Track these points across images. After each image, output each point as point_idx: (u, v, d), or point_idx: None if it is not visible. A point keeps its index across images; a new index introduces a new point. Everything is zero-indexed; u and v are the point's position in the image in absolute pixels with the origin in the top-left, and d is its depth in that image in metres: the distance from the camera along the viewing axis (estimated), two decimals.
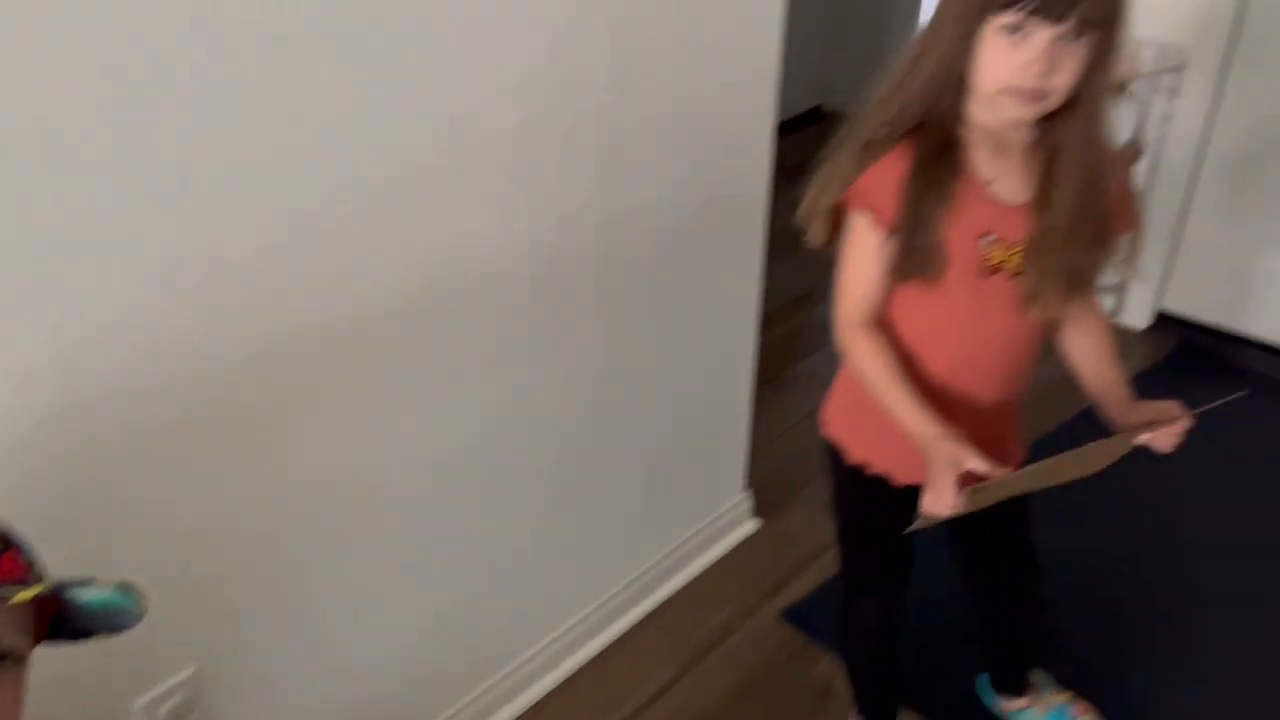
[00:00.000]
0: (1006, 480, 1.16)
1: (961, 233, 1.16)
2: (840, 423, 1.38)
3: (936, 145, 1.15)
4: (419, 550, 1.46)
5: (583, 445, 1.65)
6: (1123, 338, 2.79)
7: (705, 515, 1.98)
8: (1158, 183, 2.63)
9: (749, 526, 2.08)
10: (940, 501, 1.15)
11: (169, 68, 0.98)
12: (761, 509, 2.11)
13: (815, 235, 1.25)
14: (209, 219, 1.06)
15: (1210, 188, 2.62)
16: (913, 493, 1.24)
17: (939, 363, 1.26)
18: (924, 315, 1.23)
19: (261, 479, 1.21)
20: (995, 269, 1.18)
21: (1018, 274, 1.18)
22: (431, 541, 1.47)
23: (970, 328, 1.23)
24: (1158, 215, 2.67)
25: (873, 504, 1.38)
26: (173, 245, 1.04)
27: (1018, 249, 1.17)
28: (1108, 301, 2.78)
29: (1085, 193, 1.15)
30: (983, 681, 1.74)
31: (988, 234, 1.17)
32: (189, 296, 1.07)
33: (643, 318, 1.65)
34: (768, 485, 2.16)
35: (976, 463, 1.15)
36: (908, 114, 1.16)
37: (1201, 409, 1.20)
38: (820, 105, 4.29)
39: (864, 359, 1.24)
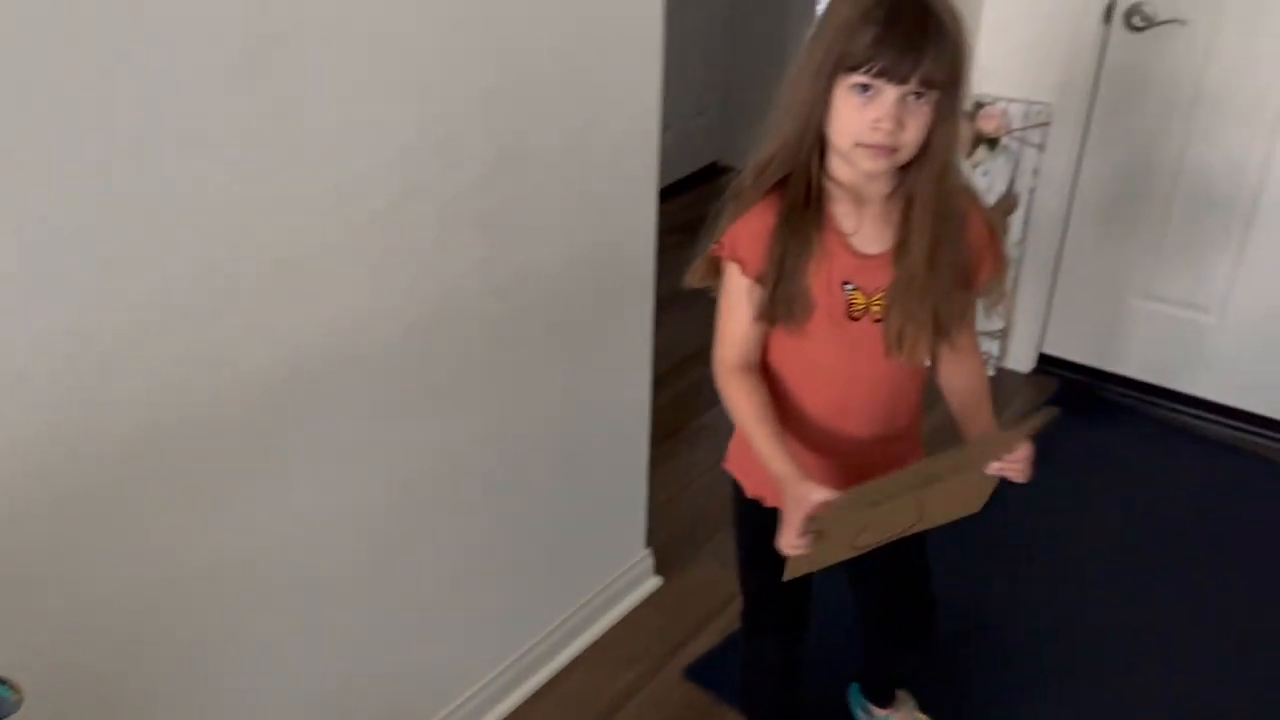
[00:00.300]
0: (846, 504, 1.18)
1: (824, 281, 1.23)
2: (737, 459, 1.44)
3: (800, 198, 1.22)
4: (305, 629, 1.43)
5: (476, 513, 1.64)
6: (1009, 381, 2.89)
7: (606, 575, 1.98)
8: (1032, 232, 2.76)
9: (651, 584, 2.09)
10: (784, 540, 1.20)
11: (26, 141, 0.96)
12: (664, 566, 2.12)
13: (692, 277, 1.33)
14: (74, 299, 1.04)
15: (1080, 236, 2.75)
16: None
17: (817, 402, 1.32)
18: (798, 358, 1.30)
19: (144, 562, 1.18)
20: (859, 314, 1.25)
21: (880, 319, 1.25)
22: (319, 619, 1.44)
23: (841, 369, 1.29)
24: (1034, 263, 2.79)
25: (769, 537, 1.40)
26: (37, 328, 1.02)
27: (879, 295, 1.24)
28: (992, 347, 2.89)
29: (940, 240, 1.22)
30: (854, 690, 1.81)
31: (849, 282, 1.24)
32: (59, 377, 1.04)
33: (535, 380, 1.66)
34: (670, 541, 2.18)
35: (822, 497, 1.18)
36: (774, 167, 1.23)
37: (1021, 428, 1.24)
38: (716, 161, 4.38)
39: (734, 400, 1.30)
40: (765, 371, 1.33)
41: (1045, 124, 2.67)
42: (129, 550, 1.17)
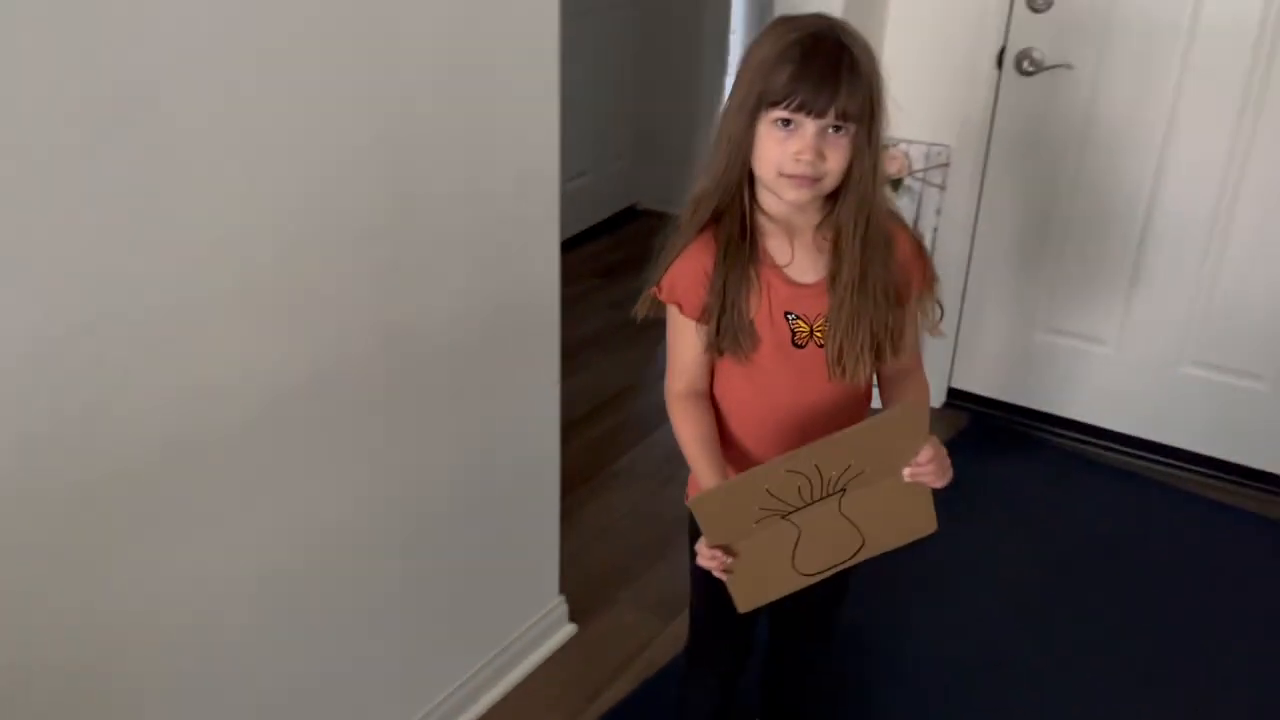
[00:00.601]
0: (725, 488, 1.22)
1: (767, 313, 1.28)
2: (691, 485, 1.47)
3: (735, 234, 1.27)
4: (204, 687, 1.39)
5: (381, 566, 1.61)
6: None
7: (519, 624, 1.96)
8: (938, 270, 2.82)
9: (566, 632, 2.07)
10: (701, 554, 1.24)
11: None
12: (579, 613, 2.10)
13: (640, 309, 1.35)
14: None
15: (983, 272, 2.83)
16: None
17: (768, 428, 1.35)
18: (747, 386, 1.34)
19: (42, 614, 1.14)
20: (804, 341, 1.30)
21: (823, 345, 1.30)
22: (217, 677, 1.40)
23: (791, 396, 1.33)
24: (941, 299, 2.85)
25: None
26: None
27: (821, 322, 1.29)
28: None
29: (870, 264, 1.27)
30: None
31: (791, 312, 1.29)
32: None
33: (437, 431, 1.64)
34: (585, 588, 2.16)
35: None
36: (707, 205, 1.28)
37: (895, 412, 1.26)
38: (634, 205, 4.43)
39: (677, 425, 1.35)
40: (721, 405, 1.37)
41: (945, 165, 2.75)
42: (24, 606, 1.13)
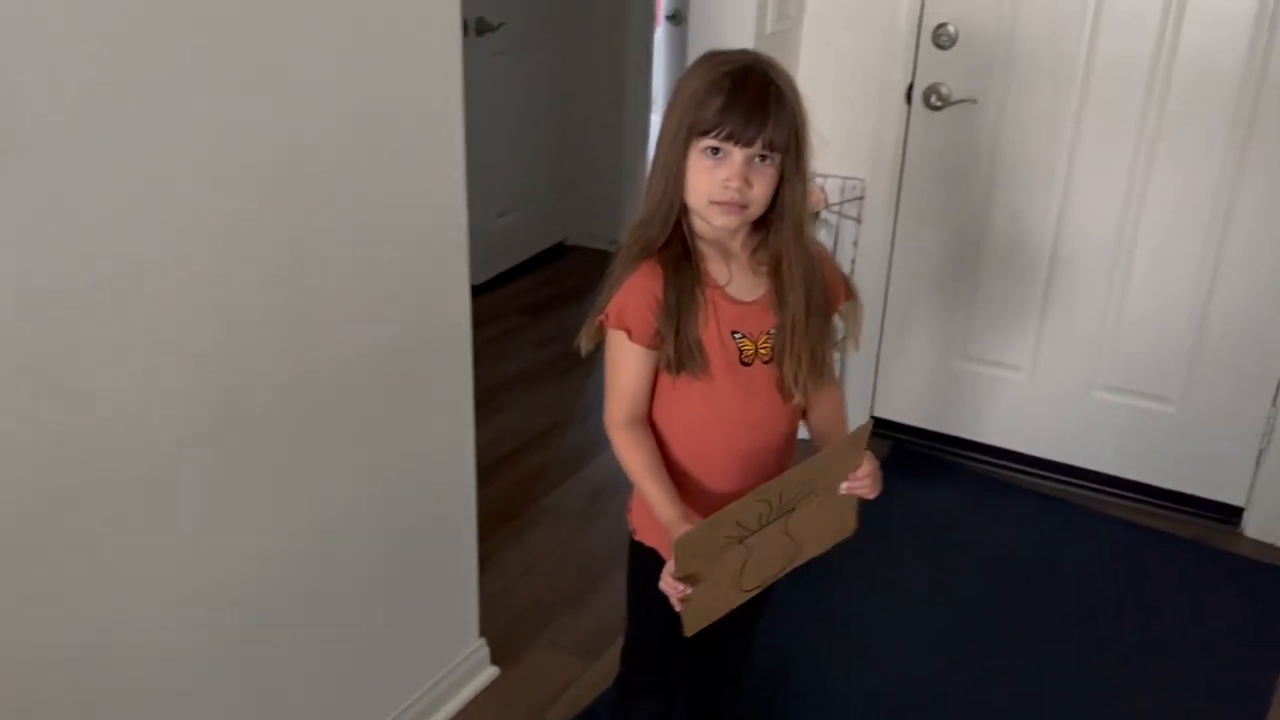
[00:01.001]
0: (705, 526, 1.22)
1: (715, 333, 1.33)
2: (637, 510, 1.48)
3: (679, 258, 1.32)
4: None
5: (289, 612, 1.58)
6: None
7: (439, 669, 1.93)
8: None
9: (488, 674, 2.04)
10: (663, 580, 1.25)
11: None
12: (501, 655, 2.07)
13: (585, 342, 1.37)
14: None
15: (900, 302, 2.88)
16: None
17: (722, 449, 1.38)
18: (705, 407, 1.36)
19: None
20: (750, 359, 1.35)
21: (769, 361, 1.35)
22: None
23: (743, 414, 1.37)
24: (861, 330, 2.90)
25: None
26: None
27: (764, 339, 1.35)
28: None
29: (810, 286, 1.34)
30: None
31: (737, 331, 1.33)
32: None
33: (348, 474, 1.62)
34: (509, 629, 2.14)
35: None
36: (646, 234, 1.33)
37: (853, 438, 1.31)
38: (563, 241, 4.43)
39: (625, 454, 1.37)
40: (667, 432, 1.38)
41: (860, 198, 2.80)
42: None
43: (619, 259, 1.37)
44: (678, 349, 1.32)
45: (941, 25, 2.58)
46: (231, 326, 1.37)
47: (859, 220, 2.81)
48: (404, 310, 1.65)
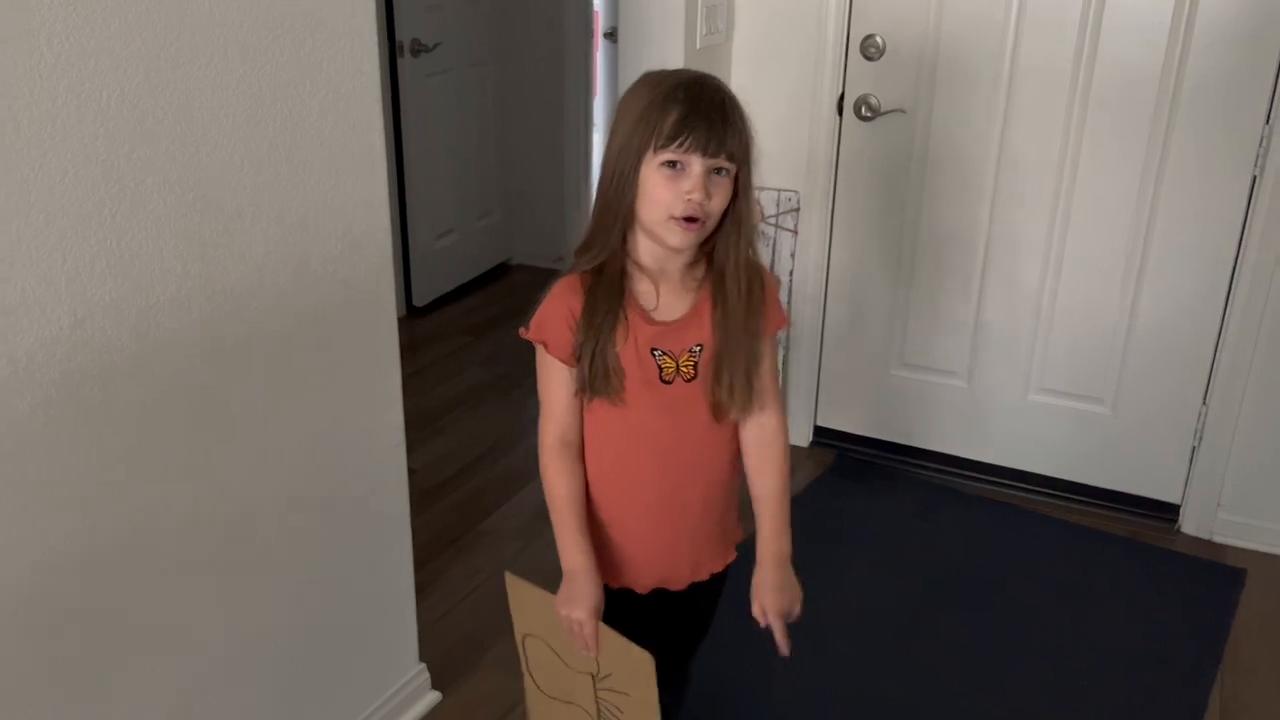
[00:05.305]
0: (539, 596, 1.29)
1: (633, 350, 1.30)
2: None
3: (603, 278, 1.29)
4: None
5: (225, 648, 1.54)
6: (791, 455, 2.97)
7: (377, 696, 1.89)
8: (795, 312, 2.88)
9: (430, 700, 2.01)
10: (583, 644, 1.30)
11: None
12: (442, 680, 2.04)
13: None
14: None
15: (839, 312, 2.89)
16: (660, 596, 1.41)
17: (645, 469, 1.36)
18: (623, 429, 1.34)
19: None
20: (671, 377, 1.32)
21: (690, 379, 1.32)
22: None
23: (665, 434, 1.34)
24: (801, 340, 2.91)
25: (623, 619, 1.37)
26: None
27: (686, 357, 1.32)
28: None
29: (750, 302, 1.32)
30: None
31: (657, 349, 1.31)
32: None
33: (278, 502, 1.59)
34: (450, 653, 2.11)
35: (580, 614, 1.29)
36: (590, 248, 1.30)
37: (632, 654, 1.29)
38: (506, 261, 4.42)
39: (547, 482, 1.36)
40: (592, 452, 1.36)
41: (796, 210, 2.81)
42: None
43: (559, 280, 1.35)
44: (591, 370, 1.29)
45: (869, 36, 2.61)
46: (140, 353, 1.33)
47: (795, 232, 2.83)
48: (328, 338, 1.62)
